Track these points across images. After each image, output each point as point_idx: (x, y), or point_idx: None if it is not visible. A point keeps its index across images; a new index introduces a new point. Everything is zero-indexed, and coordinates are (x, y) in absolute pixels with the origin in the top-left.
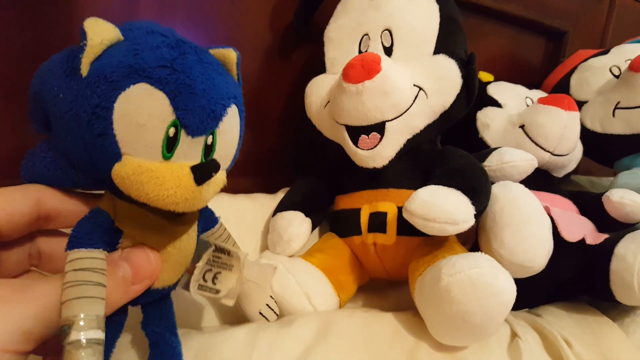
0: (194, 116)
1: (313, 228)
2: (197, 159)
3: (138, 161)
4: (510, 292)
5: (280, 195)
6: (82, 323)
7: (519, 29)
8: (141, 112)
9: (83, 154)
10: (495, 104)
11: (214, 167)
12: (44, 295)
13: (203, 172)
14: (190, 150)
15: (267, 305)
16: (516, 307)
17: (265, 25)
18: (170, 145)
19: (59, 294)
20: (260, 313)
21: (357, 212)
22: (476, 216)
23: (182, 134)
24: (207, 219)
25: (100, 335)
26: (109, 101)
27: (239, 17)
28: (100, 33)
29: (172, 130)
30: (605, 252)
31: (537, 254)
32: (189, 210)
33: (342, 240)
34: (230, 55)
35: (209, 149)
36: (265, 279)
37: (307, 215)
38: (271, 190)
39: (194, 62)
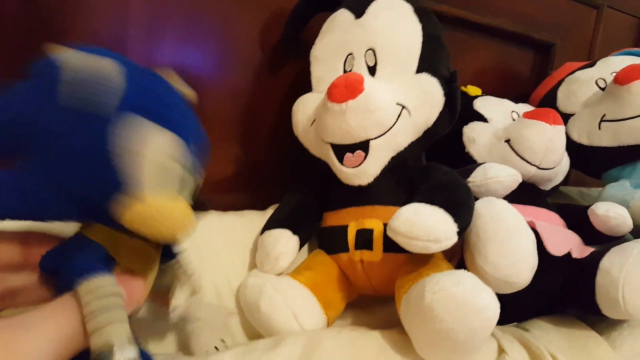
0: (194, 159)
1: (302, 245)
2: (188, 196)
3: (158, 198)
4: (493, 309)
5: (269, 212)
6: (120, 346)
7: (507, 42)
8: (166, 155)
9: (94, 189)
10: (482, 118)
11: (208, 203)
12: (47, 332)
13: (201, 208)
14: (187, 188)
15: (215, 347)
16: (504, 321)
17: (255, 42)
18: (180, 185)
19: (60, 328)
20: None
21: (344, 229)
22: (459, 233)
23: (187, 175)
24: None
25: (134, 352)
26: (139, 142)
27: (229, 34)
28: (117, 74)
29: (183, 172)
30: (590, 265)
31: (521, 269)
32: (183, 241)
33: (330, 257)
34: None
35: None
36: (218, 320)
37: (295, 233)
38: (261, 205)
39: (185, 105)
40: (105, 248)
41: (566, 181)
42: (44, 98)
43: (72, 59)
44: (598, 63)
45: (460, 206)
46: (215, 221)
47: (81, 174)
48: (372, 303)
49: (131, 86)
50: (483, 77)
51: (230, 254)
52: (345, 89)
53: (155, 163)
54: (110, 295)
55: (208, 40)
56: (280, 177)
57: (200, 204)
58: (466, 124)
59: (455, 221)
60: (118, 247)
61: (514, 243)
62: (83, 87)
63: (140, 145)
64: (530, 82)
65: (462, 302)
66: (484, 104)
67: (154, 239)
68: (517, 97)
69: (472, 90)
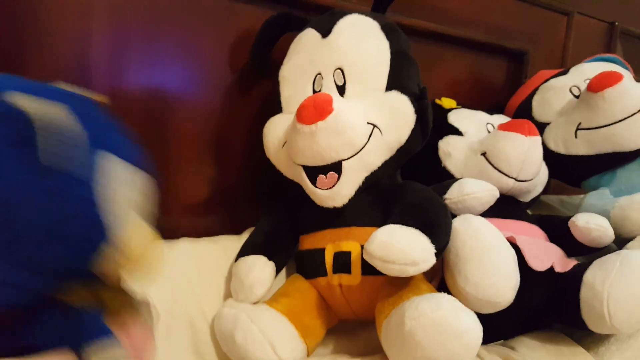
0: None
1: (278, 270)
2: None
3: (135, 241)
4: (474, 333)
5: (245, 236)
6: None
7: (480, 53)
8: (135, 191)
9: (77, 251)
10: (456, 132)
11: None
12: None
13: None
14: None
15: None
16: (490, 339)
17: (224, 63)
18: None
19: None
20: None
21: (321, 252)
22: (437, 254)
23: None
24: None
25: None
26: (114, 186)
27: (196, 56)
28: (70, 115)
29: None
30: (574, 280)
31: (502, 288)
32: None
33: (308, 282)
34: None
35: None
36: None
37: (270, 258)
38: (236, 229)
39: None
40: (97, 308)
41: (546, 189)
42: (17, 158)
43: (36, 110)
44: (571, 70)
45: (437, 226)
46: (187, 248)
47: (59, 239)
48: (353, 328)
49: (85, 124)
50: (457, 88)
51: (204, 282)
52: (314, 110)
53: (128, 204)
54: None
55: (175, 62)
56: (255, 200)
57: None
58: (441, 138)
59: (433, 242)
60: (106, 302)
61: (493, 261)
62: (58, 142)
63: (116, 189)
64: (505, 91)
65: (442, 328)
66: (459, 117)
67: (132, 280)
68: (493, 107)
69: (446, 102)
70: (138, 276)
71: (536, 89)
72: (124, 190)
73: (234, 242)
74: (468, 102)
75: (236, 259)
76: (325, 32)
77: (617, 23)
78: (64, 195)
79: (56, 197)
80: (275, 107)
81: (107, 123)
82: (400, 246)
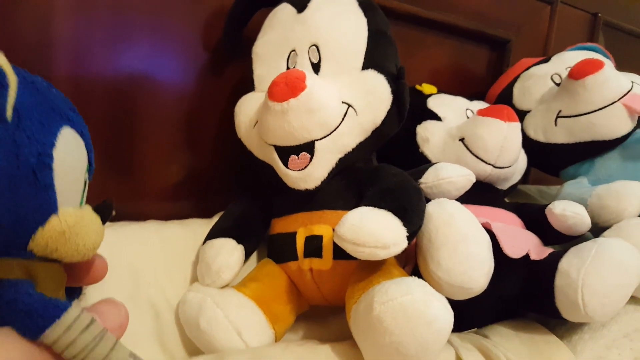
0: (92, 156)
1: (248, 255)
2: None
3: (74, 210)
4: (445, 320)
5: (215, 220)
6: None
7: (462, 39)
8: (73, 158)
9: (6, 215)
10: (435, 117)
11: (112, 204)
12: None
13: (107, 212)
14: (85, 191)
15: None
16: (464, 327)
17: (195, 41)
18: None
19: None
20: None
21: (292, 236)
22: (409, 238)
23: (87, 177)
24: None
25: None
26: (50, 147)
27: (166, 34)
28: (11, 68)
29: (86, 175)
30: (549, 267)
31: (475, 274)
32: None
33: (279, 267)
34: None
35: None
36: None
37: (239, 242)
38: (208, 213)
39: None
40: (32, 282)
41: (525, 180)
42: None
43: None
44: (553, 58)
45: (410, 210)
46: (152, 231)
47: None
48: (325, 314)
49: (20, 79)
50: (438, 75)
51: (170, 267)
52: (286, 86)
53: (66, 168)
54: (91, 323)
55: (143, 40)
56: (227, 184)
57: (107, 208)
58: (420, 123)
59: (405, 225)
60: (41, 278)
61: (467, 247)
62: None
63: (70, 158)
64: (487, 80)
65: (411, 313)
66: (438, 102)
67: (67, 259)
68: (474, 95)
69: (427, 88)
70: (72, 250)
71: (517, 77)
72: (76, 161)
73: (203, 226)
74: (449, 89)
75: (204, 242)
76: (300, 7)
77: (599, 14)
78: (20, 149)
79: (11, 149)
80: (249, 87)
81: (63, 96)
82: (371, 229)
